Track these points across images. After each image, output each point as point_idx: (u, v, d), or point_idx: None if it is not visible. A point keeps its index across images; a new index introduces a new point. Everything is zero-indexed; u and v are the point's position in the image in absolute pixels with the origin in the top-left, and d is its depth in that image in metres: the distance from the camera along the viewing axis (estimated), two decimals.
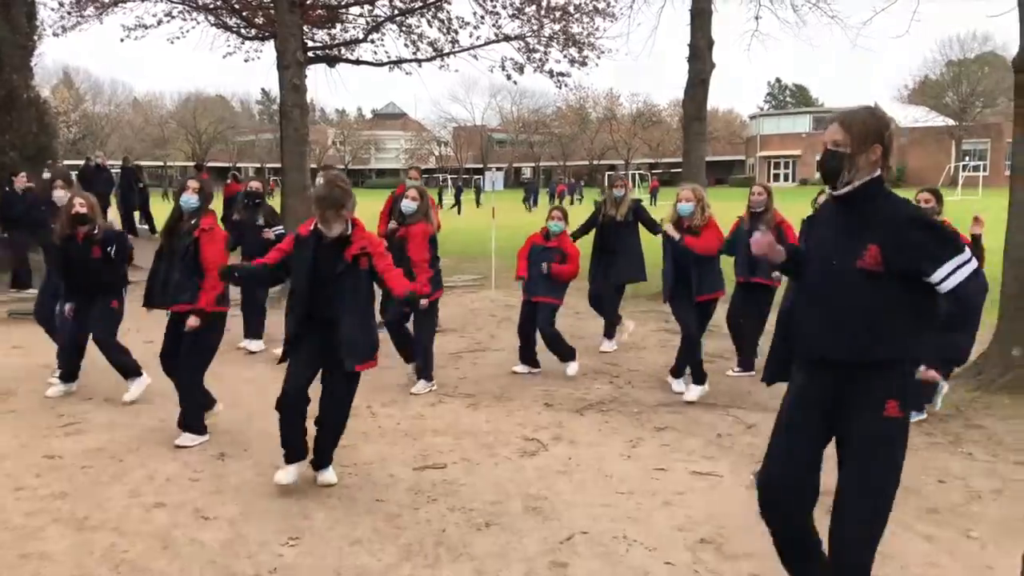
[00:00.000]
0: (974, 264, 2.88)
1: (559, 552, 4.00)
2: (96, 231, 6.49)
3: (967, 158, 52.32)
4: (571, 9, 17.34)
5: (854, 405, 2.95)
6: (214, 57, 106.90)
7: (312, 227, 4.69)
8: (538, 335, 7.52)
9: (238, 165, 65.93)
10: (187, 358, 5.62)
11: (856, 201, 2.99)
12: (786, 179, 64.69)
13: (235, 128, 74.66)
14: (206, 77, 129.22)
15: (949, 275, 2.84)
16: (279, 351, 5.04)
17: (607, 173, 63.54)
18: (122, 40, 17.84)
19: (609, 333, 8.82)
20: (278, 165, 17.79)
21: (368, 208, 8.26)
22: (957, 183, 45.18)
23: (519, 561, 3.91)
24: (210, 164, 71.75)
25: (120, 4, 17.26)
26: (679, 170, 11.68)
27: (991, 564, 3.86)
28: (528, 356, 7.66)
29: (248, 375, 7.47)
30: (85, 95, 66.51)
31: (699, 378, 6.81)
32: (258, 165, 70.76)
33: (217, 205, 6.91)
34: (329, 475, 4.86)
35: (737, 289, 7.67)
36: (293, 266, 4.73)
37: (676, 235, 6.65)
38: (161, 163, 67.95)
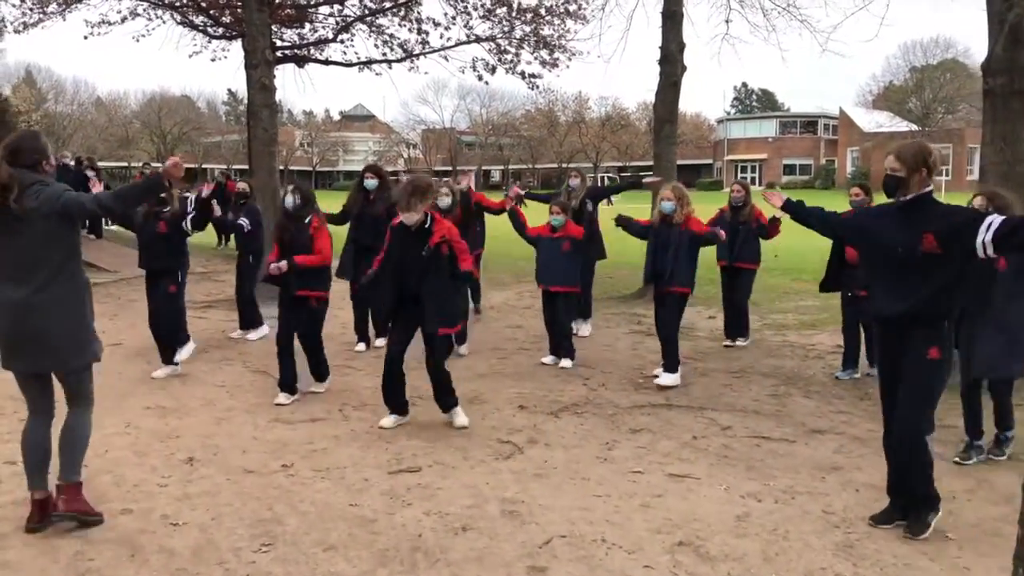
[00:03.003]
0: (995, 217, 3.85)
1: (538, 556, 3.95)
2: (167, 209, 7.11)
3: None
4: (542, 11, 17.37)
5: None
6: (179, 57, 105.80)
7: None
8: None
9: (203, 166, 65.22)
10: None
11: (914, 207, 4.02)
12: (753, 182, 65.06)
13: (200, 129, 73.68)
14: (171, 77, 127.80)
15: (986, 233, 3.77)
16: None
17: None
18: (85, 37, 17.60)
19: (585, 314, 9.27)
20: (244, 166, 17.59)
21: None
22: None
23: (498, 566, 3.85)
24: None
25: (84, 0, 17.00)
26: (649, 173, 11.65)
27: (968, 566, 3.87)
28: (558, 346, 7.96)
29: (219, 379, 7.33)
30: (47, 94, 65.36)
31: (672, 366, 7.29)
32: (224, 166, 70.06)
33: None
34: (460, 418, 6.04)
35: (721, 273, 8.82)
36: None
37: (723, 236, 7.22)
38: (125, 164, 66.91)
